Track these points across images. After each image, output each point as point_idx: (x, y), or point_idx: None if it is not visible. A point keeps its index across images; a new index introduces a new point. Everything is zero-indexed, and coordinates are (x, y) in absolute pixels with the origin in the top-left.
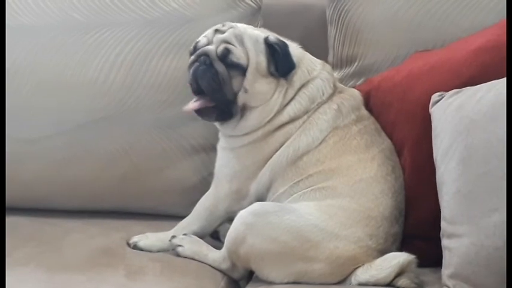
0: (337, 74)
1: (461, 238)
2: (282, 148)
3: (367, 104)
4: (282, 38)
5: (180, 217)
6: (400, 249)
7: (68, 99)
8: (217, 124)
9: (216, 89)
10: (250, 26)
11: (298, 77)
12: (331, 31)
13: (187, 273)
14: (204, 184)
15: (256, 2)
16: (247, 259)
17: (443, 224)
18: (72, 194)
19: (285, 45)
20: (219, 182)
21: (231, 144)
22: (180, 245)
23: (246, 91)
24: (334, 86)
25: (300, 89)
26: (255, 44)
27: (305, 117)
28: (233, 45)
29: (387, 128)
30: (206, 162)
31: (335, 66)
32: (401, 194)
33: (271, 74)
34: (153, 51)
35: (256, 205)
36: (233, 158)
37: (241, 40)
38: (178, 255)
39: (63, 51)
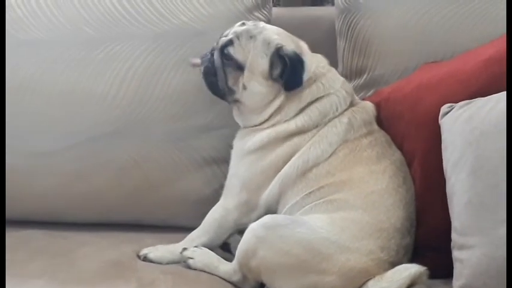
0: None
1: (473, 249)
2: (291, 160)
3: (378, 115)
4: (310, 53)
5: (191, 229)
6: (411, 261)
7: (80, 112)
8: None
9: (209, 73)
10: (282, 31)
11: (310, 91)
12: (341, 43)
13: (199, 286)
14: (215, 196)
15: (266, 14)
16: (259, 271)
17: (454, 235)
18: (84, 207)
19: (299, 61)
20: (228, 192)
21: (241, 150)
22: (191, 258)
23: (244, 88)
24: (351, 103)
25: (311, 102)
26: (264, 46)
27: (315, 130)
28: (239, 39)
29: (397, 139)
30: (218, 175)
31: (345, 78)
32: (412, 205)
33: (273, 80)
34: (163, 65)
35: (267, 218)
36: (242, 166)
37: (250, 38)
38: (189, 267)
39: (75, 65)
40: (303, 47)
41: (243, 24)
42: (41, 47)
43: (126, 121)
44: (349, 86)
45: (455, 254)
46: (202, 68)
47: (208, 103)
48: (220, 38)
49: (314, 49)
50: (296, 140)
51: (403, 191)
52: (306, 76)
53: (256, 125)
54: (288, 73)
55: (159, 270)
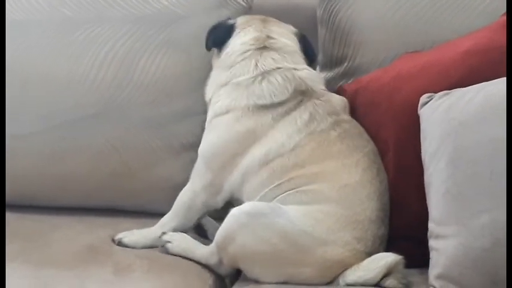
0: (327, 74)
1: (449, 239)
2: (252, 149)
3: (354, 102)
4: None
5: None
6: (387, 250)
7: (58, 95)
8: None
9: None
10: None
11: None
12: (322, 31)
13: (175, 271)
14: None
15: (247, 1)
16: (236, 258)
17: (431, 225)
18: (60, 191)
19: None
20: (195, 175)
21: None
22: (169, 241)
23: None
24: (303, 92)
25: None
26: None
27: (267, 119)
28: None
29: (373, 127)
30: (195, 161)
31: (325, 67)
32: (385, 195)
33: None
34: (143, 49)
35: (250, 204)
36: (206, 139)
37: None
38: (167, 251)
39: (53, 47)
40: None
41: None
42: (19, 29)
43: (104, 105)
44: (294, 72)
45: (432, 243)
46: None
47: (187, 89)
48: None
49: None
50: (247, 122)
51: (377, 182)
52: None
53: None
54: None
55: (135, 255)
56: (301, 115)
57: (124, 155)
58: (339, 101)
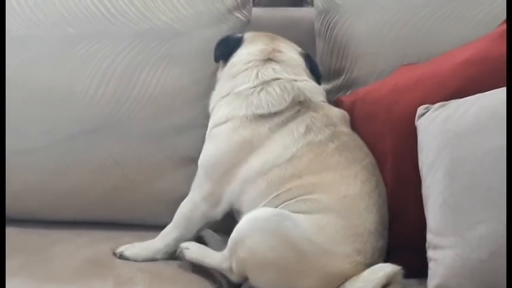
0: (325, 87)
1: (447, 250)
2: (249, 159)
3: (351, 114)
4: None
5: None
6: (386, 261)
7: (59, 110)
8: None
9: None
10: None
11: (239, 79)
12: (319, 44)
13: (177, 284)
14: None
15: (246, 15)
16: (244, 263)
17: (429, 236)
18: (61, 205)
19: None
20: (195, 186)
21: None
22: (187, 248)
23: None
24: (304, 104)
25: (236, 93)
26: None
27: (264, 129)
28: None
29: (371, 139)
30: (195, 173)
31: (323, 79)
32: (384, 208)
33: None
34: (142, 64)
35: (261, 209)
36: (205, 149)
37: None
38: (183, 258)
39: (54, 63)
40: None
41: None
42: (20, 45)
43: (105, 119)
44: (293, 83)
45: (430, 253)
46: None
47: (187, 103)
48: None
49: None
50: (243, 132)
51: (376, 195)
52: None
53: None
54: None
55: (136, 268)
56: (298, 126)
57: (125, 168)
58: (337, 113)
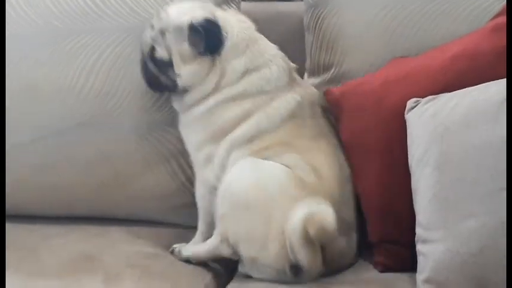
0: (314, 81)
1: (436, 244)
2: (241, 125)
3: (341, 106)
4: (231, 16)
5: (159, 222)
6: (376, 255)
7: (47, 105)
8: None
9: (154, 83)
10: (189, 4)
11: (245, 57)
12: (309, 38)
13: (166, 280)
14: (182, 189)
15: (235, 8)
16: (226, 216)
17: (418, 230)
18: (51, 200)
19: (212, 24)
20: (196, 168)
21: (188, 122)
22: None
23: (180, 76)
24: (292, 78)
25: (251, 70)
26: (178, 34)
27: (265, 98)
28: (157, 42)
29: (360, 131)
30: (183, 166)
31: (312, 73)
32: (348, 185)
33: (201, 55)
34: (131, 57)
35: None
36: (193, 134)
37: (163, 35)
38: (181, 257)
39: (42, 58)
40: (217, 12)
41: (151, 27)
42: (8, 40)
43: (93, 114)
44: (286, 58)
45: (419, 247)
46: (147, 83)
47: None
48: (141, 44)
49: (283, 43)
50: (246, 104)
51: (345, 168)
52: (226, 35)
53: (202, 97)
54: (206, 39)
55: (126, 264)
56: (294, 97)
57: (114, 163)
58: (317, 95)
